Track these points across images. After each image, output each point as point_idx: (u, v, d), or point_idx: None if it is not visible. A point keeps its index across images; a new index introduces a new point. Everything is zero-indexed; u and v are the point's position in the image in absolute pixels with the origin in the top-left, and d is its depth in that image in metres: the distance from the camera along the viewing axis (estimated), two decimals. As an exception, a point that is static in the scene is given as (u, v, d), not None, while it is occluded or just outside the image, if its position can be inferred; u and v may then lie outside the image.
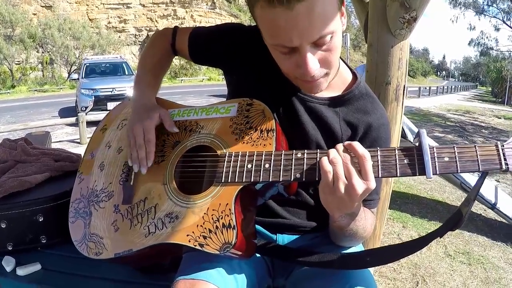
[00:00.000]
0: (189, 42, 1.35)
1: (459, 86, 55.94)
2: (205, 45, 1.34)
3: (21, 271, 1.36)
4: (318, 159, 0.96)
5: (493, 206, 4.37)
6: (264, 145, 1.06)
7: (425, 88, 34.85)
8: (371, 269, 1.22)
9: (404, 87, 2.19)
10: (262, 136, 1.08)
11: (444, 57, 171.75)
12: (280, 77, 1.16)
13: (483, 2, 32.69)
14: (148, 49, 1.43)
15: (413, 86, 33.73)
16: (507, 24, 33.74)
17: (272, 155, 1.01)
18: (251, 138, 1.09)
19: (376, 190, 1.22)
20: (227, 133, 1.13)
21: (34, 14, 31.78)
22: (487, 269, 3.41)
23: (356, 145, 0.90)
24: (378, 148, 0.93)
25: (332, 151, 0.91)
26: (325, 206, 0.97)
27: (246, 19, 38.44)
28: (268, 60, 1.13)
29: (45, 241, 1.50)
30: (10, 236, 1.46)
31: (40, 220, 1.47)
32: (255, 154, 1.03)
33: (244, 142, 1.09)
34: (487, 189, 4.42)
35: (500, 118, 18.48)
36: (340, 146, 0.92)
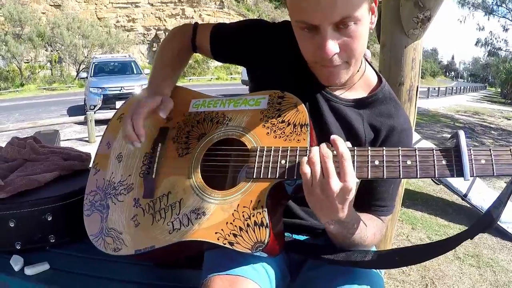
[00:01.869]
0: (211, 39, 1.33)
1: (468, 87, 55.51)
2: (228, 42, 1.31)
3: (29, 271, 1.35)
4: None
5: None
6: (298, 140, 1.02)
7: (434, 88, 34.63)
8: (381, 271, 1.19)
9: (417, 87, 2.17)
10: (295, 131, 1.04)
11: (453, 58, 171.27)
12: (306, 74, 1.14)
13: (492, 2, 32.50)
14: (167, 43, 1.40)
15: (422, 86, 33.23)
16: (516, 25, 33.55)
17: (308, 151, 0.97)
18: (284, 132, 1.05)
19: (392, 197, 1.18)
20: (257, 126, 1.09)
21: (43, 13, 31.93)
22: (496, 272, 3.39)
23: (339, 142, 0.87)
24: (417, 148, 0.90)
25: (314, 149, 0.89)
26: (312, 209, 0.95)
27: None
28: (293, 56, 1.12)
29: (53, 240, 1.50)
30: (19, 235, 1.45)
31: (49, 219, 1.46)
32: (289, 149, 0.99)
33: (276, 137, 1.05)
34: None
35: (509, 119, 18.35)
36: (324, 144, 0.90)
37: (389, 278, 3.15)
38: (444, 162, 0.87)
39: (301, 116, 1.05)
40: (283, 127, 1.05)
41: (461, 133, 0.87)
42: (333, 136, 0.88)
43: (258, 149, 1.03)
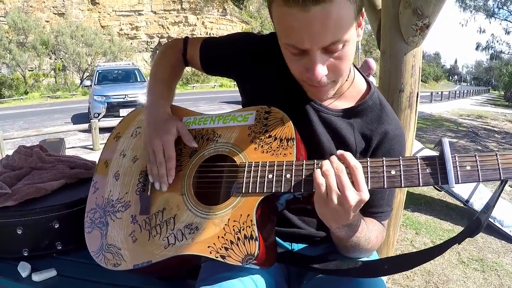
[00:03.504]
0: (201, 53, 1.34)
1: (471, 91, 55.39)
2: (217, 56, 1.33)
3: (36, 277, 1.37)
4: None
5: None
6: (285, 154, 1.04)
7: (437, 93, 34.59)
8: (384, 276, 1.20)
9: (417, 94, 2.19)
10: (282, 145, 1.06)
11: (456, 61, 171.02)
12: (295, 86, 1.14)
13: (493, 5, 32.40)
14: (160, 60, 1.41)
15: (425, 91, 33.51)
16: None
17: (293, 165, 1.00)
18: (271, 147, 1.07)
19: (388, 202, 1.19)
20: (245, 142, 1.11)
21: (47, 21, 32.18)
22: (501, 276, 3.38)
23: (348, 156, 0.90)
24: (401, 157, 0.92)
25: (325, 163, 0.91)
26: (321, 218, 0.96)
27: (257, 26, 38.56)
28: (282, 69, 1.12)
29: (60, 247, 1.52)
30: (26, 242, 1.47)
31: (56, 226, 1.49)
32: (276, 164, 1.02)
33: (263, 152, 1.07)
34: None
35: (513, 122, 18.27)
36: (334, 158, 0.92)
37: (393, 284, 3.15)
38: (428, 171, 0.88)
39: (287, 131, 1.08)
40: (270, 142, 1.08)
41: (445, 141, 0.88)
42: (339, 152, 0.91)
43: (246, 165, 1.05)
